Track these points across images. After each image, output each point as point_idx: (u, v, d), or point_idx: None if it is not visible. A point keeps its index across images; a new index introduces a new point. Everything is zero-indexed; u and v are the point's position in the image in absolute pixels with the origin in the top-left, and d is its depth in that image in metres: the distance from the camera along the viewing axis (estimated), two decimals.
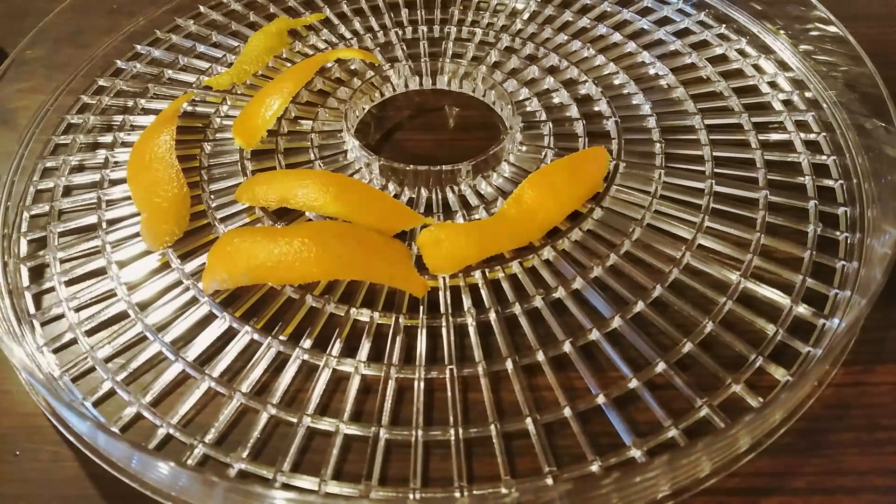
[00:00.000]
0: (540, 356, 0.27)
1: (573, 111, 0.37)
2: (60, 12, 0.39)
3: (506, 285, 0.30)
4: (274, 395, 0.26)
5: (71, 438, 0.25)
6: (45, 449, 0.26)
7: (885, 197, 0.31)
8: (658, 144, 0.35)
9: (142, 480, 0.24)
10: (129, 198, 0.33)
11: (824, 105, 0.36)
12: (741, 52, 0.40)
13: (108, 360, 0.28)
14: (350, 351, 0.28)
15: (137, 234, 0.31)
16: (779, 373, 0.27)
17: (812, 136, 0.35)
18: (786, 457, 0.25)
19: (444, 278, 0.30)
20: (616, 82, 0.38)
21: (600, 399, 0.26)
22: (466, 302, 0.29)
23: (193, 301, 0.29)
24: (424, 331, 0.28)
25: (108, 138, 0.36)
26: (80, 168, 0.35)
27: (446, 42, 0.42)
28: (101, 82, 0.39)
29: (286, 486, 0.24)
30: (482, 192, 0.34)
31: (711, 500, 0.24)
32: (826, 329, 0.28)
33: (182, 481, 0.23)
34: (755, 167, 0.34)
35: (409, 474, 0.24)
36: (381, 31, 0.42)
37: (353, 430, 0.25)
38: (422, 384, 0.27)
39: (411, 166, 0.33)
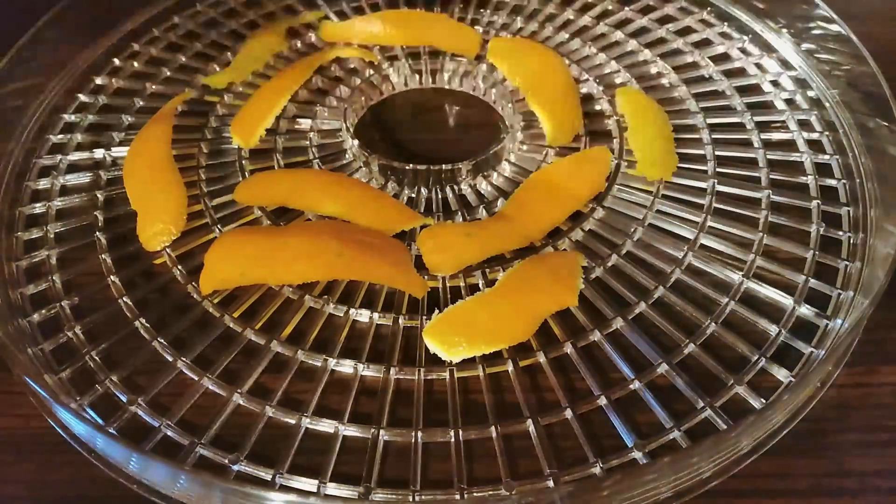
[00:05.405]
0: (541, 357, 0.27)
1: None
2: (58, 11, 0.39)
3: None
4: (273, 396, 0.26)
5: (68, 440, 0.25)
6: (42, 451, 0.26)
7: (888, 197, 0.31)
8: None
9: (140, 482, 0.24)
10: (126, 197, 0.33)
11: (827, 104, 0.36)
12: (743, 51, 0.40)
13: (106, 360, 0.27)
14: (349, 352, 0.27)
15: (135, 234, 0.31)
16: (781, 374, 0.26)
17: (815, 136, 0.35)
18: (788, 458, 0.25)
19: (444, 278, 0.29)
20: (617, 81, 0.38)
21: (601, 400, 0.26)
22: None
23: (191, 301, 0.29)
24: None
25: (105, 137, 0.36)
26: (76, 167, 0.35)
27: None
28: (98, 81, 0.39)
29: (285, 488, 0.24)
30: (482, 192, 0.34)
31: (713, 502, 0.24)
32: (829, 330, 0.28)
33: (180, 482, 0.23)
34: (757, 166, 0.33)
35: (409, 476, 0.24)
36: None
37: (352, 431, 0.25)
38: (422, 385, 0.26)
39: (411, 166, 0.33)
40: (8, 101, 0.36)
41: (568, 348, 0.27)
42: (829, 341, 0.27)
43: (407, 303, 0.29)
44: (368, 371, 0.27)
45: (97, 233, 0.32)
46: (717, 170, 0.33)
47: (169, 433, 0.25)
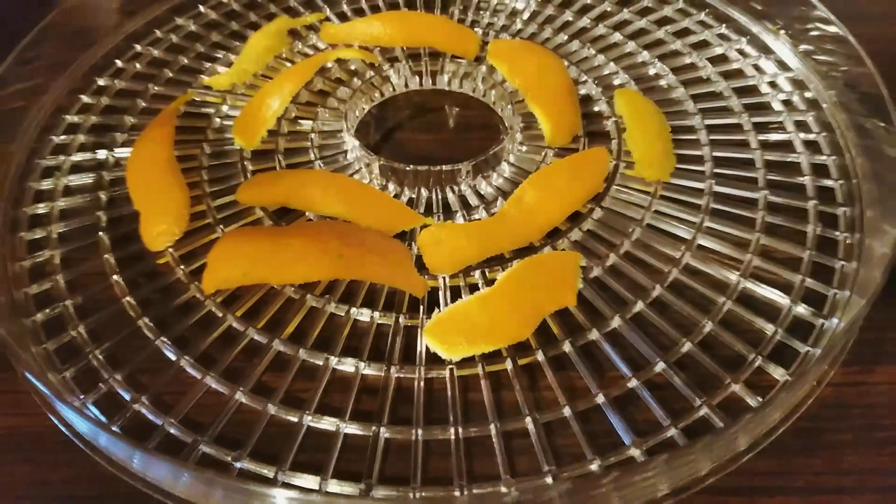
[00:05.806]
0: (540, 356, 0.27)
1: None
2: (60, 12, 0.39)
3: None
4: (275, 394, 0.26)
5: (72, 438, 0.25)
6: (46, 449, 0.26)
7: (884, 197, 0.31)
8: None
9: (143, 479, 0.24)
10: (128, 198, 0.33)
11: (824, 105, 0.36)
12: (741, 52, 0.40)
13: (109, 359, 0.28)
14: (350, 351, 0.28)
15: (138, 234, 0.31)
16: (778, 372, 0.27)
17: (812, 137, 0.35)
18: (785, 456, 0.25)
19: (444, 278, 0.30)
20: (616, 82, 0.38)
21: (600, 398, 0.26)
22: None
23: (194, 301, 0.29)
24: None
25: (107, 138, 0.36)
26: (79, 168, 0.35)
27: None
28: (100, 82, 0.39)
29: (287, 485, 0.24)
30: (482, 193, 0.34)
31: (710, 500, 0.24)
32: (825, 329, 0.28)
33: (183, 480, 0.24)
34: (755, 167, 0.34)
35: (410, 473, 0.24)
36: None
37: (353, 429, 0.26)
38: (422, 384, 0.27)
39: (411, 166, 0.33)
40: (11, 102, 0.36)
41: (567, 347, 0.27)
42: (826, 340, 0.27)
43: (407, 302, 0.29)
44: (369, 370, 0.27)
45: (100, 233, 0.32)
46: (715, 170, 0.33)
47: (172, 431, 0.25)
